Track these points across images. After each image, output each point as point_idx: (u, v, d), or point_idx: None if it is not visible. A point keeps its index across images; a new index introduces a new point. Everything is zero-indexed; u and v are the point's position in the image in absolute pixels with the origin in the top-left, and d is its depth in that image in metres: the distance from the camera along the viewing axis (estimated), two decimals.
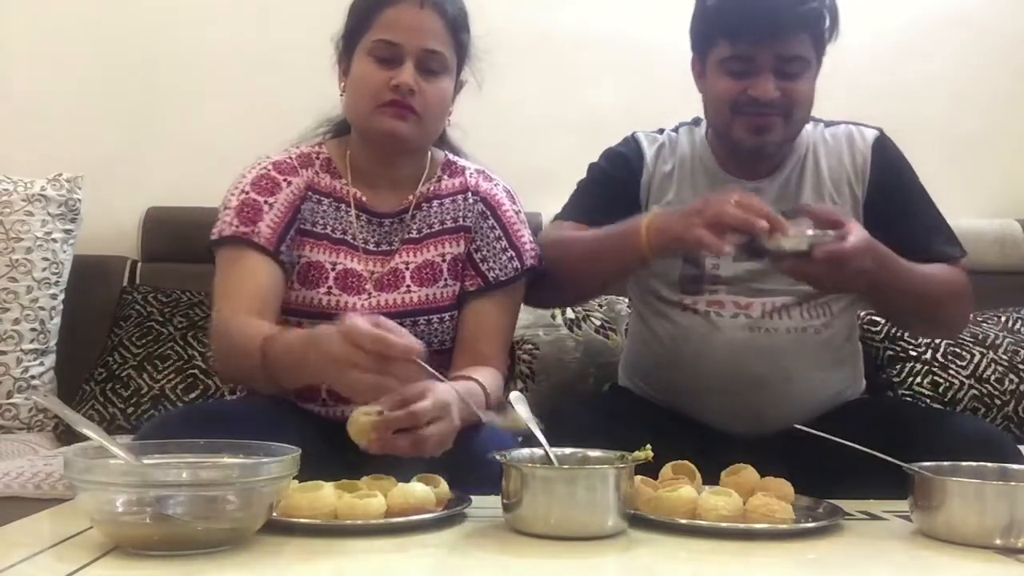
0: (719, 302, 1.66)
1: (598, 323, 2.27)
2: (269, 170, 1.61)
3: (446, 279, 1.62)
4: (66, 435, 2.13)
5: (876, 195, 1.67)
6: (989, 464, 1.24)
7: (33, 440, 2.11)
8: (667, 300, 1.70)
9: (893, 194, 1.67)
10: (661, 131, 1.81)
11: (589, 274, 1.67)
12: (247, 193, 1.58)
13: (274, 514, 1.09)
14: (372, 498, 1.15)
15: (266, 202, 1.57)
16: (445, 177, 1.68)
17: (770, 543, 1.16)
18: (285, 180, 1.61)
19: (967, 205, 2.64)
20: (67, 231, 2.38)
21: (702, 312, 1.66)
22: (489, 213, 1.66)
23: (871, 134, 1.72)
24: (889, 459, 1.20)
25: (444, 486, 1.23)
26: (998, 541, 1.11)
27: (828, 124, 1.75)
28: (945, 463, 1.22)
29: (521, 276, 1.65)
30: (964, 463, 1.23)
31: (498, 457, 1.24)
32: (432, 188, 1.66)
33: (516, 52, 2.69)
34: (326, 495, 1.15)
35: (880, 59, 2.73)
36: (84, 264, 2.42)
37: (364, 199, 1.63)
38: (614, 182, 1.76)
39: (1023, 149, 2.79)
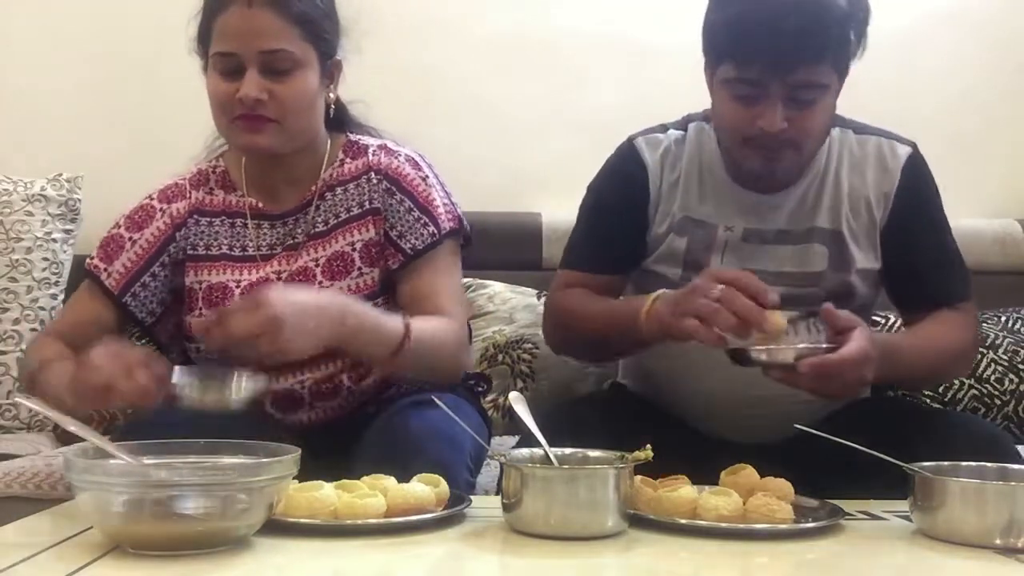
0: None
1: None
2: (151, 199, 1.64)
3: (360, 268, 1.57)
4: (66, 435, 2.13)
5: (895, 223, 1.58)
6: (989, 464, 1.23)
7: (33, 440, 2.10)
8: None
9: (913, 224, 1.59)
10: (664, 128, 1.66)
11: (603, 352, 1.75)
12: (119, 227, 1.62)
13: (274, 514, 1.09)
14: (372, 498, 1.15)
15: (131, 239, 1.60)
16: (348, 160, 1.62)
17: (770, 543, 1.16)
18: (162, 209, 1.62)
19: (967, 205, 2.64)
20: (67, 231, 2.38)
21: None
22: (395, 188, 1.58)
23: (904, 152, 1.59)
24: (889, 459, 1.19)
25: (444, 486, 1.23)
26: (998, 541, 1.11)
27: (859, 131, 1.62)
28: (945, 463, 1.22)
29: (441, 240, 1.57)
30: (964, 463, 1.23)
31: (498, 457, 1.24)
32: (334, 174, 1.61)
33: (516, 52, 2.71)
34: (326, 495, 1.15)
35: (880, 58, 2.70)
36: (84, 264, 2.41)
37: (261, 205, 1.61)
38: (619, 211, 1.63)
39: (1023, 149, 2.79)
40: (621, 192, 1.64)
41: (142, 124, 2.63)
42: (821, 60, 1.43)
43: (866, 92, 2.57)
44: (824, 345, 1.34)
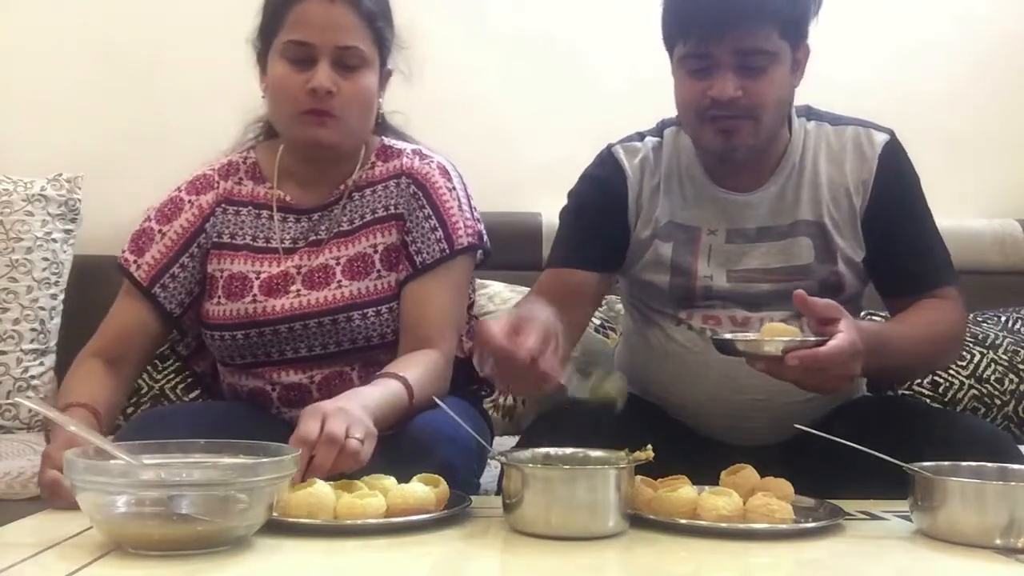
0: (715, 318, 1.58)
1: (597, 322, 2.27)
2: (179, 192, 1.64)
3: (379, 271, 1.57)
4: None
5: (875, 210, 1.57)
6: (989, 464, 1.23)
7: (33, 440, 2.10)
8: (661, 312, 1.63)
9: (893, 211, 1.58)
10: (641, 136, 1.67)
11: None
12: (149, 220, 1.63)
13: (274, 514, 1.09)
14: (372, 498, 1.15)
15: (160, 231, 1.61)
16: (379, 163, 1.63)
17: (770, 543, 1.16)
18: (191, 200, 1.63)
19: (967, 205, 2.64)
20: (67, 231, 2.38)
21: (697, 329, 1.58)
22: (421, 194, 1.59)
23: (881, 139, 1.58)
24: (889, 459, 1.20)
25: (444, 486, 1.23)
26: (998, 541, 1.11)
27: (835, 122, 1.61)
28: (945, 463, 1.22)
29: (452, 256, 1.57)
30: (964, 463, 1.23)
31: (498, 458, 1.24)
32: (365, 176, 1.62)
33: (517, 51, 2.71)
34: (326, 495, 1.15)
35: (880, 59, 2.73)
36: (84, 264, 2.42)
37: (289, 198, 1.61)
38: (598, 212, 1.63)
39: (1022, 149, 2.79)
40: (600, 195, 1.64)
41: (142, 124, 2.63)
42: (761, 23, 1.45)
43: (867, 93, 2.60)
44: (812, 339, 1.32)
